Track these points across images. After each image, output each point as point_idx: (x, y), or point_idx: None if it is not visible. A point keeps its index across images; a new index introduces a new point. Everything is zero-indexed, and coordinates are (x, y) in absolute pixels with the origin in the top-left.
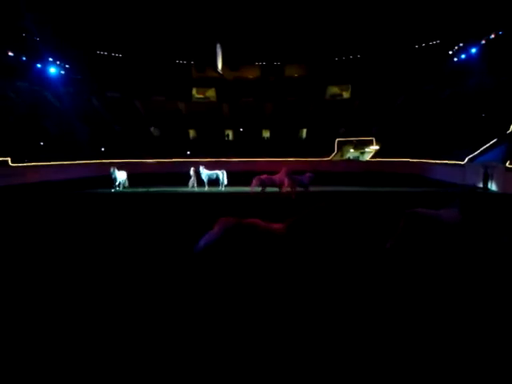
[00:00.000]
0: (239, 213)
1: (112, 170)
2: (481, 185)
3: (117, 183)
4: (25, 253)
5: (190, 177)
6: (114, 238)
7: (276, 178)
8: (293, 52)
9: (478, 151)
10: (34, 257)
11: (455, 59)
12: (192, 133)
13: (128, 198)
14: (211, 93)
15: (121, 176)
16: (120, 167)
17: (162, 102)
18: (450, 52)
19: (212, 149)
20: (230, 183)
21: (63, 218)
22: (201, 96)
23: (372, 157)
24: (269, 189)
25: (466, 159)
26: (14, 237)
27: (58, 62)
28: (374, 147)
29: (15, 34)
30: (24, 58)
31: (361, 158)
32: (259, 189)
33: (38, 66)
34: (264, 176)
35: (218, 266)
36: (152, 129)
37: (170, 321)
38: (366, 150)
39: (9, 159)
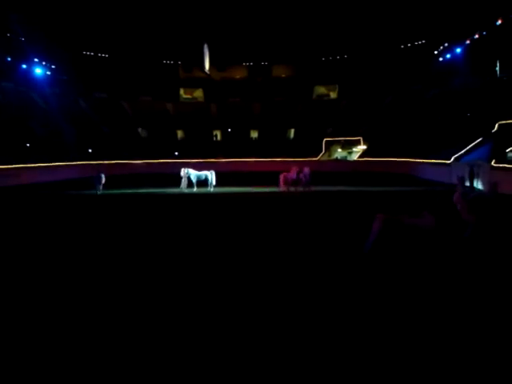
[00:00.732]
0: (234, 214)
1: (102, 174)
2: (467, 183)
3: (101, 186)
4: (9, 255)
5: (181, 178)
6: (107, 240)
7: (292, 175)
8: (280, 52)
9: (464, 150)
10: (18, 259)
11: (441, 59)
12: (180, 133)
13: (118, 199)
14: (199, 93)
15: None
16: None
17: (150, 103)
18: (436, 52)
19: (200, 149)
20: (218, 184)
21: (49, 220)
22: (188, 96)
23: (360, 156)
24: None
25: (452, 158)
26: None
27: (43, 63)
28: (362, 147)
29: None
30: (9, 59)
31: (348, 158)
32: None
33: (24, 66)
34: (285, 174)
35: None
36: (140, 130)
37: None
38: (354, 149)
39: None
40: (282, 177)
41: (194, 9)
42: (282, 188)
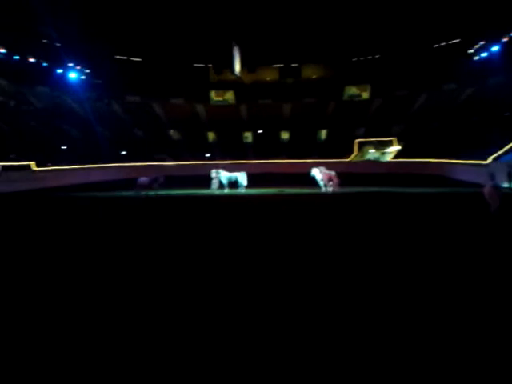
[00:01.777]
0: (268, 215)
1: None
2: (506, 184)
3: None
4: (46, 257)
5: (212, 179)
6: (135, 241)
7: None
8: (310, 53)
9: (503, 150)
10: (55, 261)
11: (476, 58)
12: (211, 135)
13: (148, 201)
14: (229, 95)
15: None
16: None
17: (181, 105)
18: (471, 50)
19: (231, 151)
20: (249, 185)
21: (83, 221)
22: (219, 99)
23: (393, 157)
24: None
25: (490, 159)
26: (33, 241)
27: (78, 67)
28: (395, 147)
29: (36, 40)
30: (45, 64)
31: (381, 159)
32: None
33: (59, 71)
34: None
35: None
36: (171, 132)
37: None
38: (387, 150)
39: (33, 163)
40: (332, 177)
41: (224, 11)
42: (335, 188)
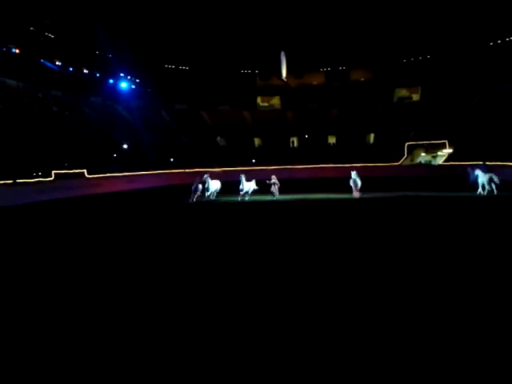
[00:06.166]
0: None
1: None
2: None
3: (208, 192)
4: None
5: (270, 185)
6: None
7: None
8: (358, 56)
9: None
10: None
11: None
12: (257, 141)
13: (204, 207)
14: (276, 101)
15: (214, 185)
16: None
17: (228, 112)
18: None
19: (277, 156)
20: (296, 190)
21: (137, 225)
22: (265, 104)
23: (445, 160)
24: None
25: None
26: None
27: (129, 77)
28: (447, 150)
29: (89, 52)
30: (97, 75)
31: (433, 162)
32: None
33: (111, 81)
34: None
35: None
36: (218, 138)
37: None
38: (439, 153)
39: (85, 171)
40: None
41: (270, 17)
42: None
